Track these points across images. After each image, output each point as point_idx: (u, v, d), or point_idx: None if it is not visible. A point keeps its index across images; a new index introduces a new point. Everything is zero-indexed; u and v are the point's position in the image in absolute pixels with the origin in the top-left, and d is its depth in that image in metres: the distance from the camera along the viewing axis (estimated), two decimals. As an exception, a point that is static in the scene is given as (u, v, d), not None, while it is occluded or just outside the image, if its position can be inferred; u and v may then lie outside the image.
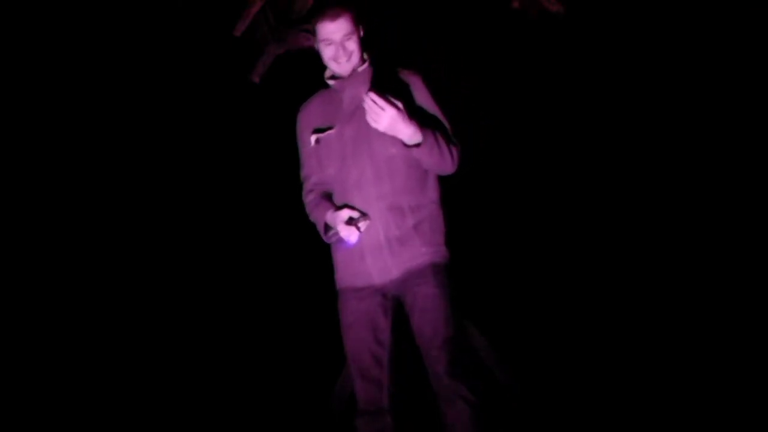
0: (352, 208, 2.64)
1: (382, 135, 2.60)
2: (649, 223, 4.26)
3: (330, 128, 2.72)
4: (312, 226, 2.83)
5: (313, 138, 2.75)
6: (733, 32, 4.17)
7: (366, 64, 2.73)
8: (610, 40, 4.19)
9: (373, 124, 2.54)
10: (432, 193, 2.75)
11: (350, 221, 2.62)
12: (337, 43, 2.66)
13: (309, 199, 2.79)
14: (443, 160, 2.66)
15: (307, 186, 2.82)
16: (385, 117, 2.52)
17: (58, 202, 4.12)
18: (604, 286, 4.12)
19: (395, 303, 2.74)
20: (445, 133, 2.72)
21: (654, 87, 4.29)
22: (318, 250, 2.95)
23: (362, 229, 2.62)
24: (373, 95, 2.49)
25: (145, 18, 4.12)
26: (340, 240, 2.66)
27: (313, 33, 2.78)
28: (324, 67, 2.76)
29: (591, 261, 4.20)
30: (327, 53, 2.69)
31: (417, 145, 2.60)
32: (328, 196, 2.76)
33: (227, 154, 4.22)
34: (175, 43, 4.15)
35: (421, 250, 2.70)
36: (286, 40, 3.87)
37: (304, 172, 2.83)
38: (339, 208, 2.66)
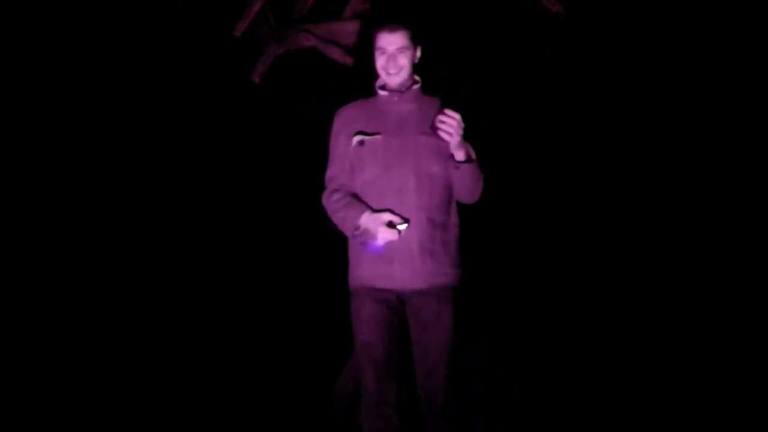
0: (392, 212, 2.81)
1: (427, 153, 2.84)
2: (650, 223, 4.26)
3: (376, 134, 2.88)
4: (322, 225, 2.95)
5: (357, 139, 2.89)
6: (733, 32, 4.17)
7: (418, 85, 2.97)
8: (610, 41, 4.19)
9: (446, 137, 2.72)
10: (455, 217, 2.96)
11: (390, 225, 2.78)
12: (390, 53, 2.88)
13: (336, 197, 2.90)
14: (476, 186, 2.92)
15: (332, 185, 2.94)
16: (459, 132, 2.72)
17: (56, 202, 4.12)
18: (606, 287, 4.12)
19: (404, 311, 2.89)
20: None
21: (654, 87, 4.29)
22: (321, 249, 3.04)
23: (402, 234, 2.78)
24: (451, 112, 2.72)
25: (145, 18, 4.12)
26: (370, 241, 2.80)
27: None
28: (372, 78, 2.97)
29: (592, 262, 4.20)
30: (379, 62, 2.90)
31: (466, 163, 2.81)
32: (356, 198, 2.90)
33: (227, 154, 4.22)
34: (175, 43, 4.15)
35: (448, 270, 2.88)
36: (286, 40, 3.88)
37: (331, 172, 2.95)
38: (376, 211, 2.82)
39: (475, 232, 4.28)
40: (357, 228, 2.82)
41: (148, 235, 4.17)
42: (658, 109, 4.27)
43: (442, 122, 2.71)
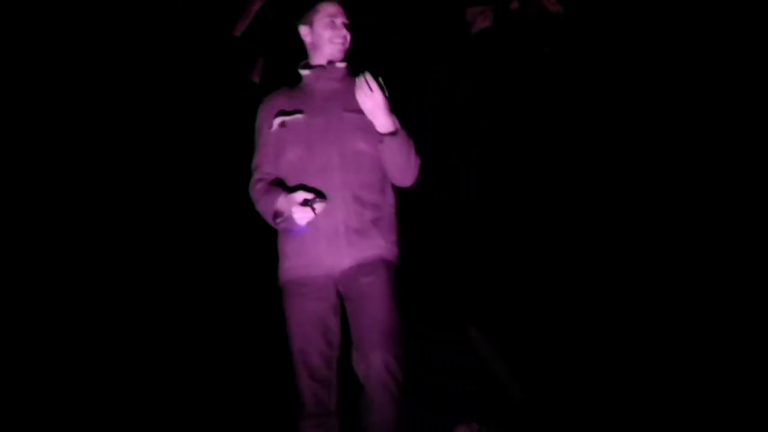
0: (315, 192, 2.63)
1: (353, 130, 2.70)
2: (649, 223, 4.25)
3: (298, 113, 2.76)
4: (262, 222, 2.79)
5: (278, 120, 2.77)
6: (733, 32, 4.17)
7: (344, 64, 2.83)
8: (610, 41, 4.19)
9: (361, 102, 2.60)
10: (390, 198, 2.79)
11: (305, 203, 2.60)
12: (338, 25, 2.79)
13: (258, 187, 2.77)
14: (408, 164, 2.73)
15: (257, 175, 2.81)
16: (375, 98, 2.59)
17: (56, 202, 4.12)
18: (605, 286, 4.12)
19: (341, 301, 2.71)
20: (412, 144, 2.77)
21: (654, 87, 4.29)
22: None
23: (317, 211, 2.60)
24: (369, 75, 2.58)
25: (145, 18, 4.12)
26: (291, 225, 2.63)
27: (306, 20, 2.84)
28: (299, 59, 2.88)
29: (592, 262, 4.19)
30: (326, 33, 2.79)
31: (389, 136, 2.65)
32: (278, 185, 2.74)
33: (227, 154, 4.22)
34: (175, 43, 4.15)
35: (376, 243, 2.68)
36: None
37: (256, 161, 2.83)
38: (292, 192, 2.65)
39: (475, 232, 4.28)
40: (276, 215, 2.67)
41: (146, 235, 4.17)
42: (658, 109, 4.27)
43: (359, 87, 2.58)
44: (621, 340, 3.98)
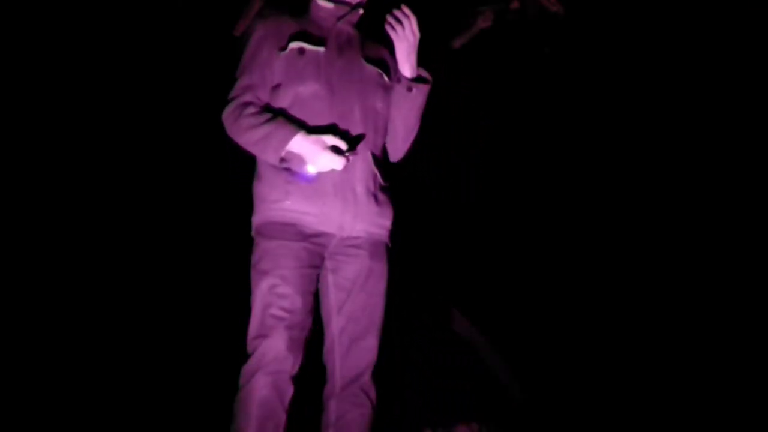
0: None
1: (374, 85, 2.42)
2: (649, 222, 4.26)
3: (318, 45, 2.40)
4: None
5: (295, 45, 2.38)
6: (733, 32, 4.17)
7: (361, 11, 2.52)
8: (610, 41, 4.19)
9: (397, 40, 2.36)
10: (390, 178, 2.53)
11: (334, 149, 2.28)
12: None
13: (252, 110, 2.35)
14: (416, 127, 2.50)
15: (245, 97, 2.38)
16: (411, 39, 2.35)
17: (56, 201, 4.12)
18: (605, 286, 4.12)
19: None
20: None
21: (654, 87, 4.29)
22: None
23: (350, 160, 2.30)
24: (408, 11, 2.35)
25: (145, 17, 4.12)
26: (298, 168, 2.30)
27: None
28: None
29: (592, 261, 4.20)
30: None
31: (421, 83, 2.41)
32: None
33: (227, 155, 4.22)
34: (175, 43, 4.15)
35: (387, 223, 2.44)
36: None
37: (246, 81, 2.39)
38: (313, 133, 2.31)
39: (475, 232, 4.28)
40: (283, 156, 2.30)
41: (146, 235, 4.17)
42: (658, 109, 4.27)
43: (397, 21, 2.33)
44: (621, 340, 3.98)
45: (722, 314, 3.98)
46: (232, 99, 2.38)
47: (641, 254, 4.19)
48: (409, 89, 2.43)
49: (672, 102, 4.27)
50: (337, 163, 2.27)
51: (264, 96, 2.39)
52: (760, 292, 3.95)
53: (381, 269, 2.41)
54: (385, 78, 2.45)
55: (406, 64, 2.41)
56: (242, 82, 2.40)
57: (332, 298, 2.39)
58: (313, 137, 2.27)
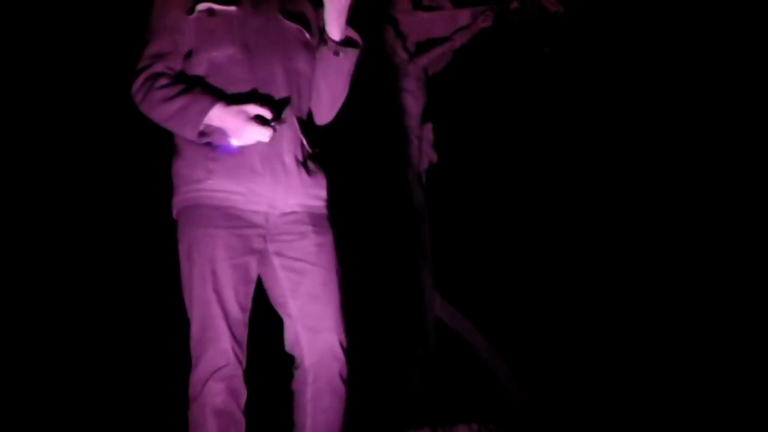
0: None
1: (296, 43, 2.17)
2: (648, 222, 4.25)
3: (229, 4, 2.16)
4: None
5: (203, 6, 2.14)
6: (733, 32, 4.17)
7: None
8: (610, 40, 4.19)
9: None
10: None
11: (261, 121, 2.05)
12: None
13: (164, 81, 2.10)
14: (344, 92, 2.24)
15: (156, 67, 2.12)
16: None
17: (56, 201, 4.12)
18: (604, 285, 4.12)
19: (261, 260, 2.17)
20: None
21: (653, 87, 4.29)
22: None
23: (276, 130, 2.07)
24: None
25: (144, 17, 4.11)
26: (219, 140, 2.08)
27: None
28: None
29: (591, 261, 4.19)
30: None
31: (350, 48, 2.17)
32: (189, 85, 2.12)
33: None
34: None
35: (321, 191, 2.20)
36: None
37: (154, 49, 2.13)
38: (231, 102, 2.07)
39: (475, 232, 4.28)
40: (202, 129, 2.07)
41: (147, 235, 4.16)
42: (657, 109, 4.27)
43: None
44: (620, 340, 3.98)
45: (722, 314, 3.98)
46: (141, 69, 2.12)
47: (641, 254, 4.19)
48: (336, 53, 2.17)
49: (671, 102, 4.27)
50: (263, 134, 2.05)
51: (176, 64, 2.14)
52: (759, 292, 3.95)
53: (330, 242, 2.18)
54: (307, 35, 2.21)
55: (335, 25, 2.15)
56: (150, 49, 2.14)
57: (283, 281, 2.16)
58: (235, 108, 2.05)
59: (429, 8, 3.98)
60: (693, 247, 4.18)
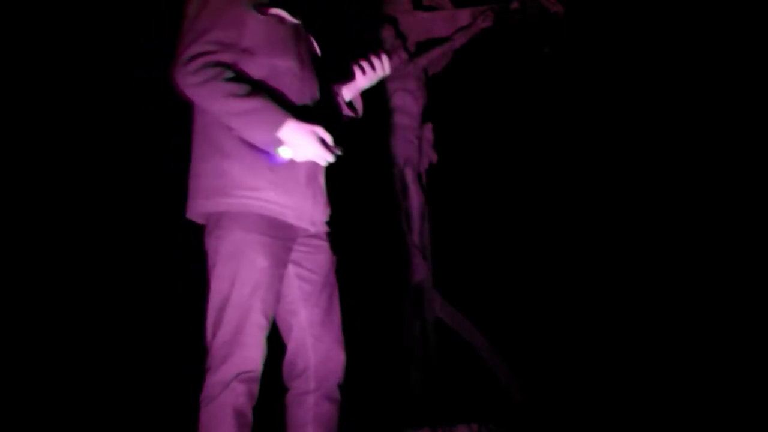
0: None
1: (332, 74, 2.28)
2: (647, 222, 4.25)
3: (294, 17, 2.19)
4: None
5: (277, 11, 2.15)
6: (733, 32, 4.17)
7: None
8: (610, 40, 4.19)
9: (368, 67, 2.25)
10: None
11: (322, 142, 2.08)
12: None
13: (230, 74, 2.05)
14: None
15: (220, 54, 2.05)
16: (375, 76, 2.26)
17: (58, 200, 4.12)
18: (604, 285, 4.12)
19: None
20: None
21: (653, 87, 4.29)
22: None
23: (337, 157, 2.11)
24: (386, 60, 2.26)
25: (144, 18, 4.11)
26: (274, 151, 2.06)
27: None
28: None
29: (591, 261, 4.19)
30: None
31: (349, 110, 2.31)
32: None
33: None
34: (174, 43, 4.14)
35: (329, 213, 2.27)
36: None
37: (218, 36, 2.06)
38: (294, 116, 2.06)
39: (475, 232, 4.28)
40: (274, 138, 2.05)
41: (147, 236, 4.16)
42: (657, 109, 4.27)
43: (371, 59, 2.22)
44: (620, 340, 3.98)
45: (721, 314, 3.98)
46: (202, 53, 2.04)
47: (640, 254, 4.19)
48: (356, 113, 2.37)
49: (671, 102, 4.27)
50: (325, 158, 2.08)
51: (234, 56, 2.08)
52: (759, 291, 3.95)
53: (335, 262, 2.27)
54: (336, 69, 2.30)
55: (352, 91, 2.32)
56: (212, 35, 2.05)
57: (296, 289, 2.21)
58: (307, 126, 2.05)
59: (429, 8, 3.98)
60: (693, 247, 4.18)
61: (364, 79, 2.27)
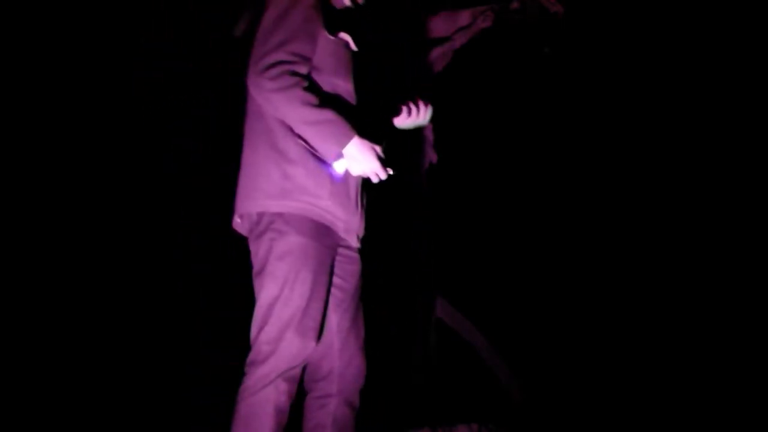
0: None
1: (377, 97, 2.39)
2: (649, 223, 4.26)
3: (346, 46, 2.29)
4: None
5: (345, 36, 2.27)
6: (733, 32, 4.17)
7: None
8: (610, 40, 4.19)
9: (405, 113, 2.36)
10: None
11: (381, 161, 2.22)
12: None
13: (306, 85, 2.16)
14: None
15: (300, 66, 2.17)
16: (410, 122, 2.38)
17: (59, 200, 4.12)
18: (604, 285, 4.12)
19: None
20: None
21: (653, 87, 4.29)
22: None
23: (390, 176, 2.25)
24: (430, 107, 2.38)
25: (145, 17, 4.12)
26: (335, 167, 2.18)
27: None
28: None
29: (591, 261, 4.20)
30: None
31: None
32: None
33: (226, 155, 4.22)
34: (174, 43, 4.15)
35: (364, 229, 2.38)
36: None
37: (300, 48, 2.17)
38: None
39: (475, 232, 4.28)
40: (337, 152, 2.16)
41: (148, 237, 4.17)
42: (657, 109, 4.27)
43: (415, 105, 2.34)
44: (620, 340, 3.98)
45: (721, 314, 3.98)
46: (283, 61, 2.14)
47: (640, 254, 4.19)
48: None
49: (671, 102, 4.27)
50: (380, 175, 2.21)
51: (306, 71, 2.20)
52: (759, 291, 3.95)
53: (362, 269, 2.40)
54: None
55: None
56: (293, 47, 2.16)
57: (329, 295, 2.28)
58: (368, 143, 2.17)
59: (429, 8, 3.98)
60: (693, 248, 4.18)
61: (405, 120, 2.38)
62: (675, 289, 4.09)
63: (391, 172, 2.22)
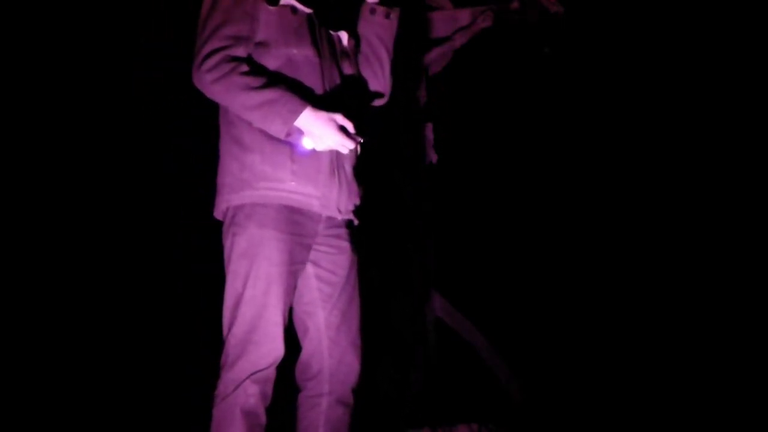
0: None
1: (349, 56, 2.29)
2: (647, 222, 4.25)
3: (307, 7, 2.19)
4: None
5: (287, 1, 2.15)
6: (733, 32, 4.17)
7: None
8: (610, 40, 4.19)
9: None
10: None
11: (343, 130, 2.08)
12: None
13: (245, 68, 2.07)
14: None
15: (235, 49, 2.07)
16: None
17: (60, 200, 4.12)
18: (604, 285, 4.12)
19: None
20: None
21: (654, 87, 4.29)
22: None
23: (359, 145, 2.13)
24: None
25: (144, 18, 4.11)
26: (296, 140, 2.07)
27: None
28: None
29: (591, 261, 4.19)
30: None
31: (386, 18, 2.30)
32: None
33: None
34: (174, 43, 4.15)
35: (357, 202, 2.26)
36: None
37: (233, 30, 2.08)
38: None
39: (475, 232, 4.28)
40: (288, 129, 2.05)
41: (149, 236, 4.17)
42: (657, 109, 4.27)
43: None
44: (620, 340, 3.98)
45: (721, 314, 3.98)
46: (218, 49, 2.06)
47: (640, 254, 4.19)
48: (387, 15, 2.30)
49: (671, 102, 4.27)
50: (346, 146, 2.08)
51: (250, 50, 2.11)
52: (759, 292, 3.95)
53: (357, 261, 2.27)
54: (348, 42, 2.29)
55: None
56: (227, 30, 2.08)
57: (315, 291, 2.21)
58: (324, 114, 2.05)
59: (429, 8, 3.98)
60: (693, 248, 4.18)
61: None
62: (675, 289, 4.09)
63: (361, 140, 2.10)
